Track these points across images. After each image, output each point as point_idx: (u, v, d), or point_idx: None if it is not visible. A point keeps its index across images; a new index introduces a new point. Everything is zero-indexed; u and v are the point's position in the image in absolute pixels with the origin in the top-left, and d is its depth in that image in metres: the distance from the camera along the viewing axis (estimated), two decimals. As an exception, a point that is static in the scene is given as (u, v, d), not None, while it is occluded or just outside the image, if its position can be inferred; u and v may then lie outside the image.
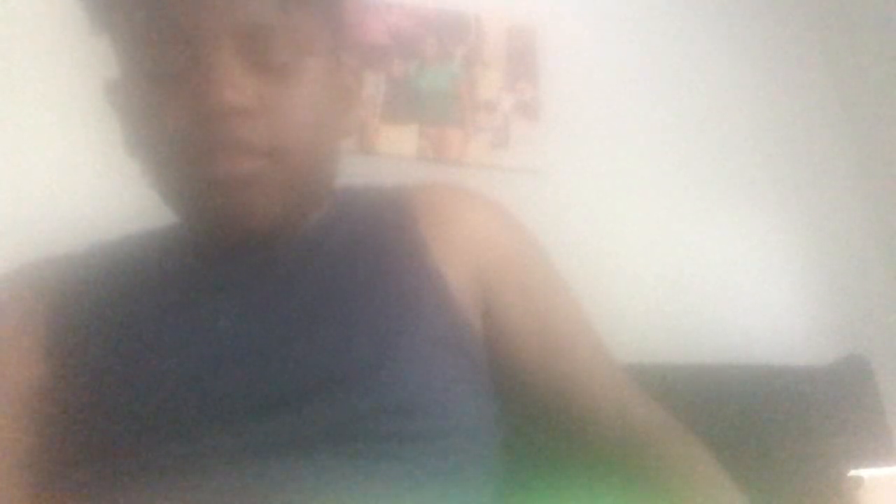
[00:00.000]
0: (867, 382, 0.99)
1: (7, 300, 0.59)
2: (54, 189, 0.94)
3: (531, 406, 0.62)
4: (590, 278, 0.99)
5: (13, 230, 0.86)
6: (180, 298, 0.57)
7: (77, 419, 0.50)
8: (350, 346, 0.52)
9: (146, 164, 0.55)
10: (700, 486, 0.53)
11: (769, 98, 1.35)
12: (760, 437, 0.89)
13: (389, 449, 0.49)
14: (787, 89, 1.37)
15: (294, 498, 0.46)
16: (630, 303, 1.12)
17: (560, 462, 0.62)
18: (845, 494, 0.77)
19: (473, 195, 0.67)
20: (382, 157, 1.11)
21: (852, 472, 0.77)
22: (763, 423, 0.90)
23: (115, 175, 0.61)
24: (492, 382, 0.60)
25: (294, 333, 0.53)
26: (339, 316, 0.54)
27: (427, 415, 0.51)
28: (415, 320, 0.55)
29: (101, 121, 0.60)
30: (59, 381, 0.53)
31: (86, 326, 0.55)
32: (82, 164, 0.94)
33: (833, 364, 1.02)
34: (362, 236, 0.61)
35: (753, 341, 1.16)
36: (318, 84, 0.56)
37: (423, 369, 0.52)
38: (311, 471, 0.47)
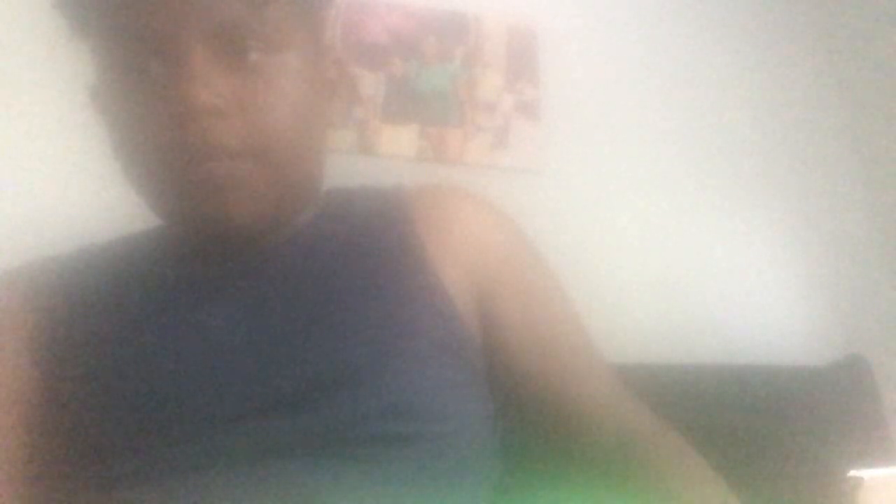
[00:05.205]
0: (867, 382, 0.99)
1: None
2: (44, 191, 0.94)
3: (527, 408, 0.61)
4: (590, 278, 0.99)
5: (2, 233, 0.86)
6: (171, 301, 0.56)
7: (69, 423, 0.50)
8: (347, 349, 0.51)
9: (127, 169, 0.55)
10: (693, 490, 0.53)
11: (769, 97, 1.35)
12: (760, 437, 0.89)
13: (386, 451, 0.49)
14: (787, 88, 1.37)
15: (291, 501, 0.46)
16: (630, 303, 1.12)
17: (556, 465, 0.62)
18: (845, 494, 0.77)
19: (469, 196, 0.66)
20: (382, 158, 1.11)
21: (852, 472, 0.77)
22: (763, 423, 0.90)
23: (104, 177, 0.61)
24: (489, 385, 0.60)
25: (289, 335, 0.52)
26: (334, 317, 0.54)
27: (424, 417, 0.50)
28: (412, 322, 0.54)
29: (89, 123, 0.59)
30: (51, 386, 0.52)
31: (76, 330, 0.55)
32: (71, 167, 0.94)
33: (833, 364, 1.02)
34: (357, 237, 0.61)
35: (753, 341, 1.16)
36: (295, 79, 0.55)
37: (421, 372, 0.52)
38: (308, 474, 0.47)
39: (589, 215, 1.17)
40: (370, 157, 1.10)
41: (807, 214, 1.29)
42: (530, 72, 1.22)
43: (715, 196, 1.25)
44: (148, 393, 0.50)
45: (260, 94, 0.52)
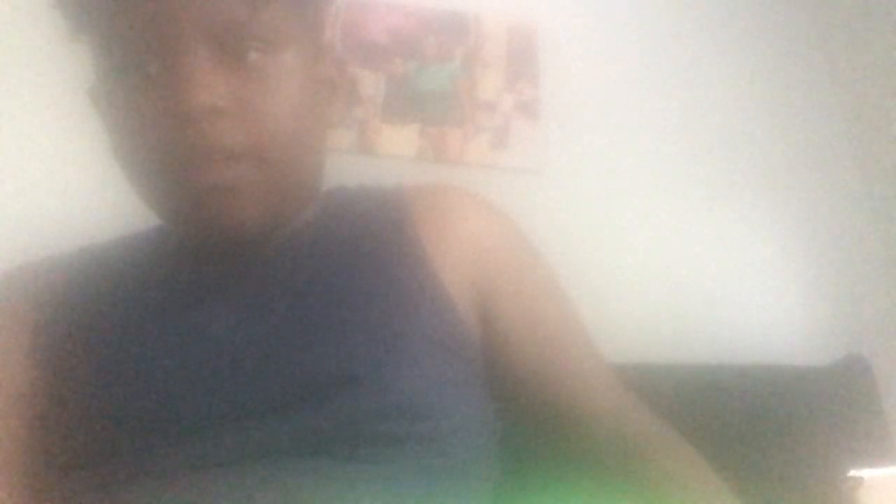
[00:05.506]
0: (867, 382, 0.99)
1: None
2: (44, 191, 0.94)
3: (527, 408, 0.61)
4: (590, 278, 0.99)
5: (2, 233, 0.86)
6: (171, 301, 0.56)
7: (69, 423, 0.50)
8: (347, 349, 0.51)
9: (126, 169, 0.55)
10: (693, 491, 0.53)
11: (769, 97, 1.35)
12: (760, 437, 0.89)
13: (386, 451, 0.49)
14: (787, 88, 1.37)
15: (291, 501, 0.46)
16: (630, 303, 1.12)
17: (556, 465, 0.62)
18: (845, 494, 0.77)
19: (469, 196, 0.66)
20: (382, 157, 1.11)
21: (852, 472, 0.77)
22: (763, 423, 0.90)
23: (104, 177, 0.61)
24: (489, 384, 0.60)
25: (289, 335, 0.52)
26: (334, 318, 0.53)
27: (425, 417, 0.50)
28: (412, 322, 0.54)
29: (89, 123, 0.59)
30: (51, 386, 0.52)
31: (76, 330, 0.55)
32: (71, 167, 0.94)
33: (833, 364, 1.02)
34: (357, 237, 0.61)
35: (754, 341, 1.16)
36: (295, 80, 0.54)
37: (421, 371, 0.52)
38: (307, 474, 0.47)
39: (589, 215, 1.17)
40: (370, 157, 1.10)
41: (807, 215, 1.29)
42: (530, 72, 1.22)
43: (715, 196, 1.25)
44: (148, 393, 0.50)
45: (259, 94, 0.52)
